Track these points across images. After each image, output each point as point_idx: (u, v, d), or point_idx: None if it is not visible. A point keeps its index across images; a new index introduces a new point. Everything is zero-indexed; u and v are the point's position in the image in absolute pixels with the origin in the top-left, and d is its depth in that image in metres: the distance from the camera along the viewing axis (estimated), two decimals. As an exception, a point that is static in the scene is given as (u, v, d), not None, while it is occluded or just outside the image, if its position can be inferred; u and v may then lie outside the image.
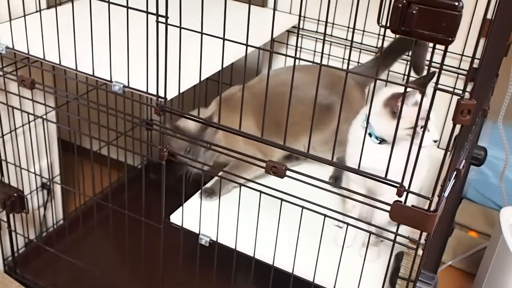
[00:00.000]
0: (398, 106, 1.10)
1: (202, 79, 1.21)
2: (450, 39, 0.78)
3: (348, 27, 1.69)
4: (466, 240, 2.03)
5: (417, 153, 0.93)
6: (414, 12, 0.78)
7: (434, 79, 0.87)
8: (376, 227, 1.17)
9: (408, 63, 1.59)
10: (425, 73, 1.43)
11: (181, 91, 1.21)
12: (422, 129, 1.01)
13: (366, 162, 1.08)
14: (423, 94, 0.91)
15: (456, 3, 0.76)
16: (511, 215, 1.61)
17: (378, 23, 0.85)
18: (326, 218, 1.14)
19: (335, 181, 1.52)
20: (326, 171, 1.52)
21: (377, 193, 1.18)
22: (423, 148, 0.95)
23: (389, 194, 1.00)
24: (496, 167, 2.08)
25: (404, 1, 0.78)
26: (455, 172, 1.07)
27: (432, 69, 0.90)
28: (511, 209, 1.63)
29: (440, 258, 1.89)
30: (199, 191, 1.42)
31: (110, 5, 1.16)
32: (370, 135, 1.22)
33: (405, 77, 1.62)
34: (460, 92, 0.84)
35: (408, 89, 0.96)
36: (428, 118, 0.95)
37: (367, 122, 1.17)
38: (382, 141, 1.21)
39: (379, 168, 0.99)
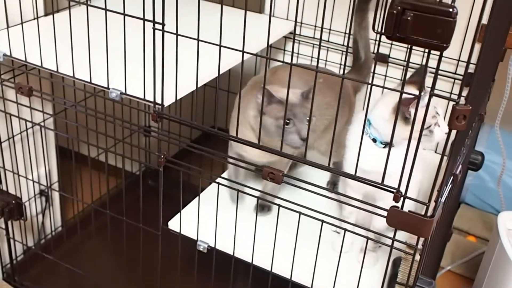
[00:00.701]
0: (411, 112, 1.10)
1: (199, 85, 1.21)
2: (445, 45, 0.78)
3: (345, 33, 1.70)
4: (465, 245, 2.03)
5: (415, 152, 0.93)
6: (408, 18, 0.78)
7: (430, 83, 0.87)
8: (373, 232, 1.17)
9: (404, 68, 1.60)
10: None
11: (178, 98, 1.22)
12: (435, 126, 1.05)
13: (370, 166, 1.08)
14: (418, 98, 0.91)
15: (451, 10, 0.76)
16: (509, 220, 1.61)
17: (373, 29, 0.85)
18: (324, 224, 1.14)
19: (333, 186, 1.52)
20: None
21: (377, 198, 1.18)
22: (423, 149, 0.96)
23: (389, 199, 1.00)
24: (494, 172, 2.09)
25: (399, 8, 0.78)
26: (452, 177, 1.07)
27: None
28: (508, 213, 1.63)
29: (438, 263, 1.89)
30: (196, 197, 1.42)
31: (107, 12, 1.17)
32: (374, 140, 1.22)
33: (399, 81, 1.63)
34: (456, 97, 0.85)
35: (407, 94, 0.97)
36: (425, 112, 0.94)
37: (363, 126, 1.17)
38: (386, 145, 1.21)
39: (387, 171, 0.99)
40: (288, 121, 1.21)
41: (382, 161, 0.98)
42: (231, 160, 1.36)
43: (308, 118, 1.22)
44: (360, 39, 1.55)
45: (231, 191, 1.45)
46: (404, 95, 1.12)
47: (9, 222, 1.64)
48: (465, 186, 2.11)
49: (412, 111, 1.10)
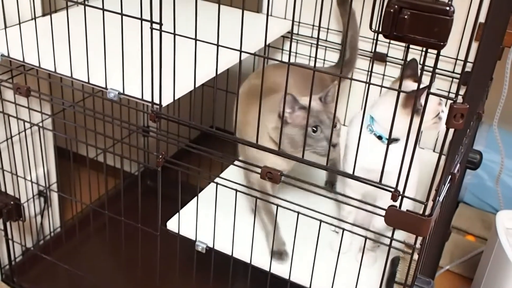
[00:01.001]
0: (421, 103, 1.09)
1: (197, 85, 1.21)
2: (442, 43, 0.79)
3: (343, 32, 1.70)
4: (464, 244, 2.02)
5: (414, 146, 0.93)
6: (405, 17, 0.78)
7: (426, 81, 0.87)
8: (372, 232, 1.17)
9: (402, 67, 1.60)
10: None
11: (176, 98, 1.22)
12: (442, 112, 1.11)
13: (375, 164, 1.07)
14: (417, 97, 0.91)
15: (447, 8, 0.76)
16: (507, 219, 1.61)
17: (371, 28, 0.85)
18: (322, 223, 1.14)
19: (331, 186, 1.52)
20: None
21: (378, 196, 1.18)
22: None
23: (388, 198, 0.99)
24: (493, 171, 2.08)
25: (396, 6, 0.78)
26: (449, 176, 1.07)
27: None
28: (507, 212, 1.63)
29: (437, 263, 1.89)
30: (196, 197, 1.42)
31: (105, 12, 1.17)
32: (379, 137, 1.21)
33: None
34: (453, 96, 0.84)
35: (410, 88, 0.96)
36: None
37: (361, 125, 1.17)
38: (392, 141, 1.20)
39: (388, 170, 0.98)
40: (315, 128, 1.18)
41: (388, 158, 0.98)
42: (237, 163, 1.36)
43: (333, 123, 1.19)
44: (347, 39, 1.55)
45: (250, 201, 1.42)
46: (410, 89, 1.12)
47: (8, 223, 1.64)
48: (464, 185, 2.11)
49: (423, 102, 1.09)
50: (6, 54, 1.37)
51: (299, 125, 1.19)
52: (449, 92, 1.61)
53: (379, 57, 1.68)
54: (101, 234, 1.62)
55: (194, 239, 1.35)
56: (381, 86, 1.02)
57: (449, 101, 0.85)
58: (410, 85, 1.18)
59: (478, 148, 1.75)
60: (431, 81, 0.86)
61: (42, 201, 1.81)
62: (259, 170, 1.10)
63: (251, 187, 1.33)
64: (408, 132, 0.93)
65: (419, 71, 1.24)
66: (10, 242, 1.70)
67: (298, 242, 1.23)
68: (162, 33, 1.09)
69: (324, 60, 1.76)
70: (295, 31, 1.77)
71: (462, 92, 0.87)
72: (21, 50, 1.35)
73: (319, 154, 1.19)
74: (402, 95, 1.14)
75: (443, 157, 0.92)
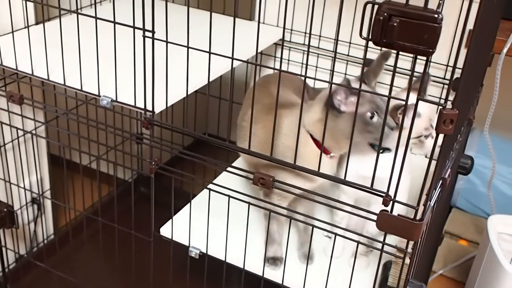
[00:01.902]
0: (399, 118, 1.09)
1: (189, 92, 1.22)
2: (431, 50, 0.80)
3: (335, 39, 1.71)
4: (456, 249, 2.04)
5: (404, 157, 0.93)
6: (395, 24, 0.79)
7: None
8: (365, 237, 1.18)
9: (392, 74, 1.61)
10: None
11: (169, 105, 1.22)
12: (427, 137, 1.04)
13: (370, 172, 1.08)
14: (413, 110, 0.92)
15: (436, 15, 0.77)
16: (499, 223, 1.62)
17: (361, 35, 0.86)
18: (315, 229, 1.15)
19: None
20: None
21: (372, 201, 1.19)
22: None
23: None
24: (484, 176, 2.10)
25: (385, 14, 0.79)
26: (440, 181, 1.08)
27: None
28: (499, 217, 1.64)
29: (430, 267, 1.90)
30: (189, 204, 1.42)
31: (98, 20, 1.17)
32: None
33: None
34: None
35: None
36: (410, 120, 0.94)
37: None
38: (384, 150, 1.22)
39: (382, 176, 0.99)
40: (372, 115, 1.12)
41: (381, 166, 0.99)
42: (230, 169, 1.35)
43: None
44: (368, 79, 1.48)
45: (264, 211, 1.37)
46: (397, 102, 1.13)
47: (1, 230, 1.64)
48: (456, 191, 2.12)
49: (400, 117, 1.11)
50: (0, 62, 1.38)
51: (354, 114, 1.09)
52: (440, 98, 1.63)
53: (369, 64, 1.69)
54: (95, 241, 1.62)
55: (187, 244, 1.36)
56: (374, 93, 1.03)
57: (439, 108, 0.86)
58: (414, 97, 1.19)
59: (470, 153, 1.77)
60: (420, 88, 0.87)
61: (36, 208, 1.81)
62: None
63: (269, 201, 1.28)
64: (397, 142, 0.94)
65: (427, 85, 1.25)
66: (4, 249, 1.70)
67: (291, 247, 1.23)
68: (155, 40, 1.10)
69: (316, 67, 1.77)
70: (287, 38, 1.78)
71: (451, 97, 0.89)
72: (14, 58, 1.36)
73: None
74: (390, 106, 1.16)
75: (434, 162, 0.93)
